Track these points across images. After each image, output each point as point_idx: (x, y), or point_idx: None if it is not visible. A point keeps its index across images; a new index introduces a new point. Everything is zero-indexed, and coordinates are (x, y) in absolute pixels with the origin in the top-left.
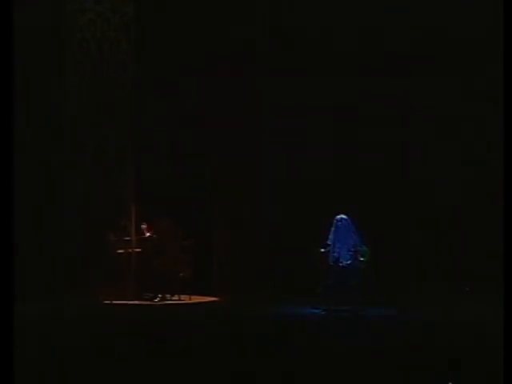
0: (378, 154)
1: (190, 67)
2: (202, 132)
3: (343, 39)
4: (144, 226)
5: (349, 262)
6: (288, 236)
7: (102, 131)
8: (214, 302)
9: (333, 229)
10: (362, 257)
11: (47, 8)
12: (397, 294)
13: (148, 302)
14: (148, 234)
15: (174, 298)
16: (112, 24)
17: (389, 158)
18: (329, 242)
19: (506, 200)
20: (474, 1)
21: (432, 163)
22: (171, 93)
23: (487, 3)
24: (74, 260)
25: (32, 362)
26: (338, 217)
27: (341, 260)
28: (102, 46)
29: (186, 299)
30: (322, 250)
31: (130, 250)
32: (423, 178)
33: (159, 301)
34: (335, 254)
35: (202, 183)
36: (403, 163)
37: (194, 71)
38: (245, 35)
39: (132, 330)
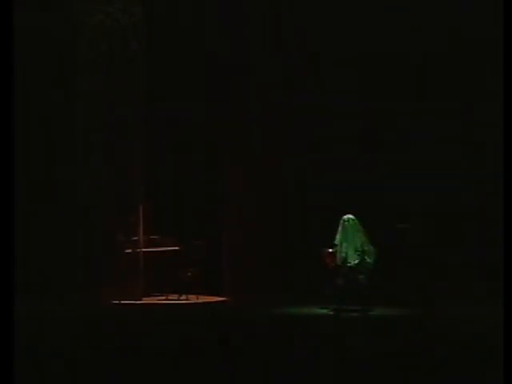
0: (384, 153)
1: (200, 68)
2: (212, 132)
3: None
4: None
5: (356, 262)
6: (298, 236)
7: (113, 131)
8: (221, 301)
9: (340, 229)
10: (370, 257)
11: (57, 8)
12: (405, 294)
13: (155, 301)
14: None
15: (181, 298)
16: (121, 24)
17: (393, 157)
18: (336, 242)
19: (506, 200)
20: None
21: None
22: (181, 93)
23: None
24: (83, 260)
25: (38, 361)
26: (345, 217)
27: (348, 260)
28: (111, 46)
29: (193, 299)
30: (330, 250)
31: (138, 250)
32: (427, 177)
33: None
34: (343, 255)
35: (212, 183)
36: (407, 161)
37: (205, 72)
38: (255, 36)
39: (132, 329)
